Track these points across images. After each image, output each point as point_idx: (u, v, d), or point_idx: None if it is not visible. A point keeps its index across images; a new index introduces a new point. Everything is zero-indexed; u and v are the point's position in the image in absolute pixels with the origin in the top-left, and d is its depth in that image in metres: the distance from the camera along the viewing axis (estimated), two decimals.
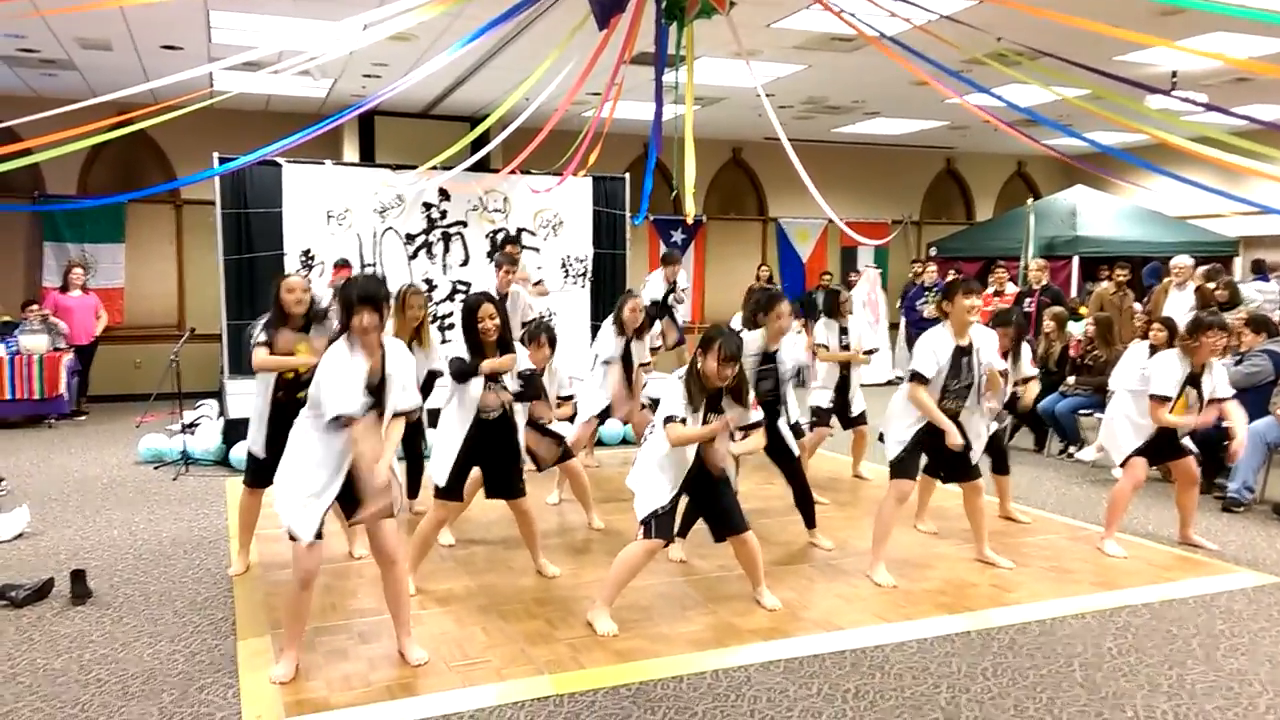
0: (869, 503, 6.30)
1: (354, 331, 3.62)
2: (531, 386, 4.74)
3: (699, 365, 4.16)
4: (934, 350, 4.81)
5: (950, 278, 7.81)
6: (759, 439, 4.45)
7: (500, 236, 10.03)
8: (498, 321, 4.54)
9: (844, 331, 6.85)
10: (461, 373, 4.53)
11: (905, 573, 5.00)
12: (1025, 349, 6.09)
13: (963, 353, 4.85)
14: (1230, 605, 4.58)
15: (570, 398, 5.71)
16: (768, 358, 5.21)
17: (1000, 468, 6.01)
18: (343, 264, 8.09)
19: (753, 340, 5.13)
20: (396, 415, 3.76)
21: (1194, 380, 5.22)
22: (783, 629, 4.23)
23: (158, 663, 3.85)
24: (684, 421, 4.12)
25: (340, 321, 3.68)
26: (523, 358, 4.74)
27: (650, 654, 3.95)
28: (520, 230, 10.12)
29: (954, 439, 4.73)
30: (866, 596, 4.67)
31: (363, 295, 3.59)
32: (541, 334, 5.36)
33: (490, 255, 10.01)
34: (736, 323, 6.97)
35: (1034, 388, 6.38)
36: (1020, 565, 5.14)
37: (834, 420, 6.92)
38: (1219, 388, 5.27)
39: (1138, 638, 4.17)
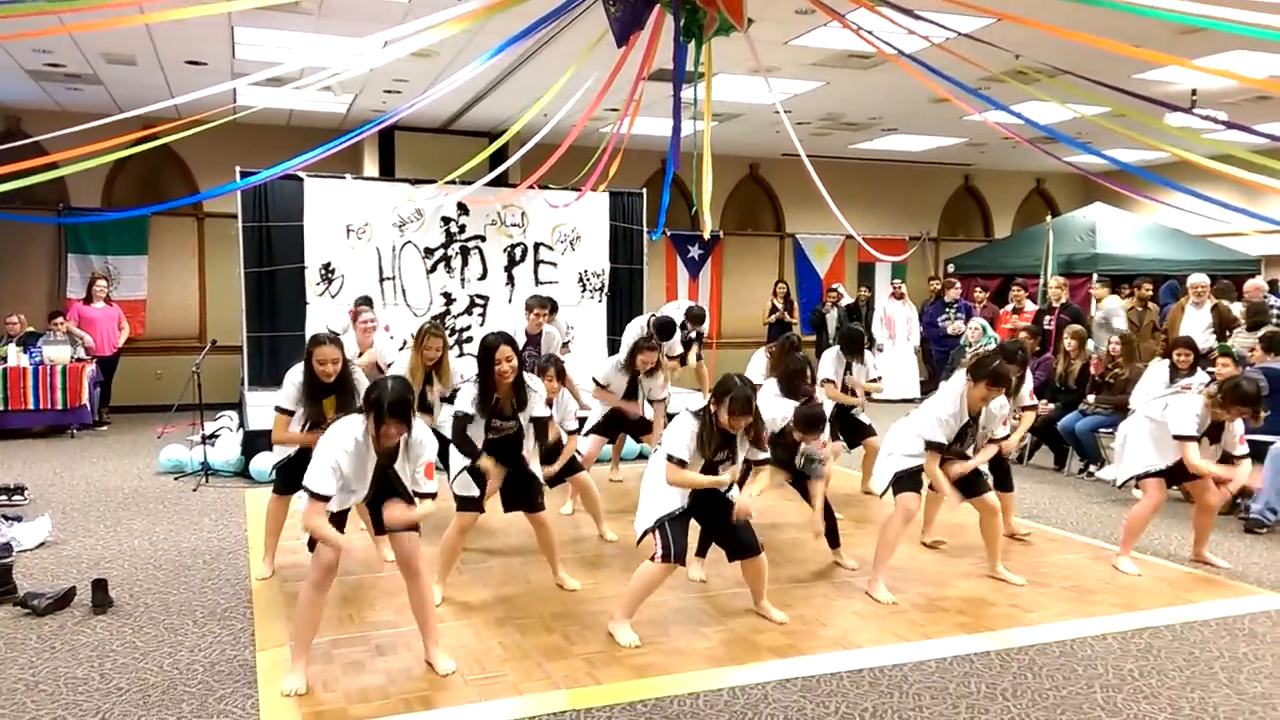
0: (882, 519, 6.25)
1: (376, 435, 3.61)
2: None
3: (713, 412, 4.20)
4: (947, 420, 4.94)
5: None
6: (765, 478, 4.46)
7: (519, 251, 10.09)
8: (514, 364, 4.52)
9: (849, 369, 6.82)
10: (462, 448, 4.59)
11: (924, 591, 4.98)
12: (1028, 378, 6.14)
13: (972, 422, 5.02)
14: (1253, 628, 4.53)
15: (575, 432, 5.66)
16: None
17: (1003, 484, 5.96)
18: (363, 301, 7.68)
19: (781, 406, 5.20)
20: (420, 496, 3.80)
21: (1214, 432, 5.18)
22: (800, 647, 4.22)
23: (177, 672, 3.87)
24: (683, 463, 4.16)
25: (367, 416, 3.63)
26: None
27: (667, 670, 3.94)
28: (538, 244, 10.17)
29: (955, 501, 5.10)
30: (884, 615, 4.64)
31: (394, 407, 3.54)
32: (550, 367, 5.48)
33: (508, 269, 10.07)
34: (757, 361, 7.00)
35: (1028, 419, 6.55)
36: (1040, 585, 5.11)
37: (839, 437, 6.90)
38: (1236, 445, 5.23)
39: (1159, 660, 4.13)
